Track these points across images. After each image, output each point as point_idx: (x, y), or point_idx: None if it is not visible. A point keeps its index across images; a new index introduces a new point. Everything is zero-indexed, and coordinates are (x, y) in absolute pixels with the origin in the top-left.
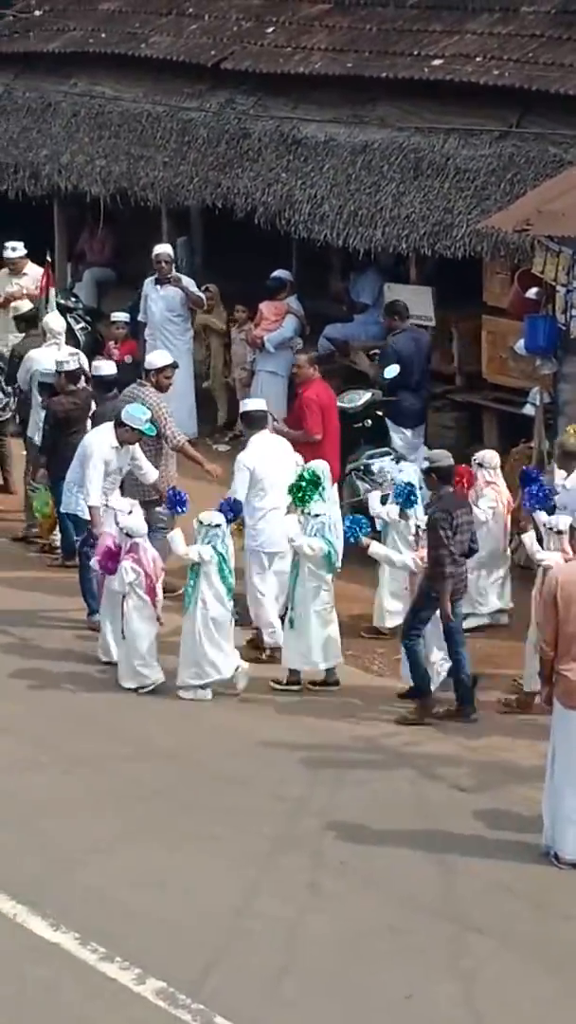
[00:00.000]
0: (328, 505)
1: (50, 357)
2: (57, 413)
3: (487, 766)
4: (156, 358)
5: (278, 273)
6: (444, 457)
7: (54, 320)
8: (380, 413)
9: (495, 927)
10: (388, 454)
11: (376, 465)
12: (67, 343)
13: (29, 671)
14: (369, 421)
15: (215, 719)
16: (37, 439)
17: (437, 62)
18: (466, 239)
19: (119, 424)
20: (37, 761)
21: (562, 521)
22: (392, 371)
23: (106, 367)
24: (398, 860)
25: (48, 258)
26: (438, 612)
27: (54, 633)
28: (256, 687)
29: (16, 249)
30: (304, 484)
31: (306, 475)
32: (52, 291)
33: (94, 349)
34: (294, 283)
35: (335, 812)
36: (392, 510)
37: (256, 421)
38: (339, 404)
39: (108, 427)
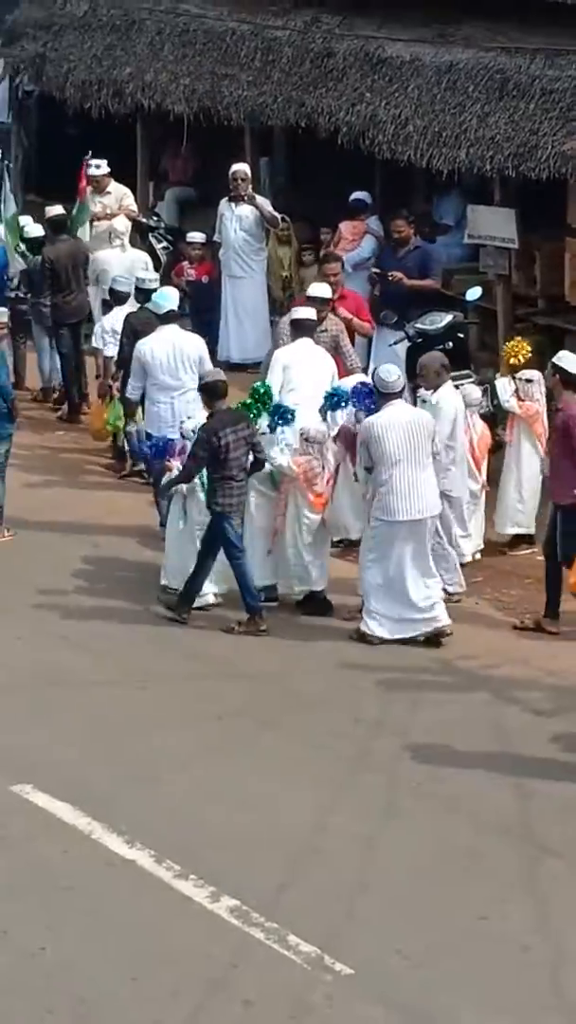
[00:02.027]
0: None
1: (115, 258)
2: (135, 325)
3: (564, 690)
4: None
5: (359, 194)
6: (214, 374)
7: (119, 222)
8: (461, 335)
9: (570, 849)
10: (469, 377)
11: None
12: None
13: (104, 588)
14: (450, 343)
15: (292, 640)
16: (105, 348)
17: None
18: (551, 161)
19: None
20: (114, 678)
21: None
22: (475, 293)
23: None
24: (474, 782)
25: (86, 159)
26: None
27: (128, 544)
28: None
29: (100, 167)
30: (258, 401)
31: (260, 391)
32: (88, 193)
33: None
34: (375, 204)
35: (411, 734)
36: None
37: (305, 329)
38: (420, 326)
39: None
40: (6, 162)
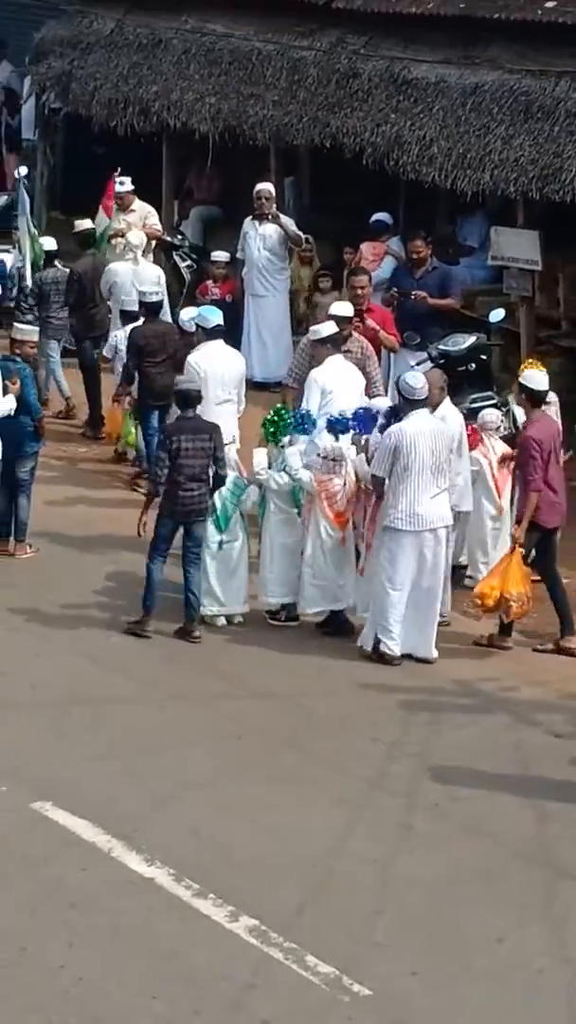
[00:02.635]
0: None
1: (127, 271)
2: (137, 341)
3: None
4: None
5: (380, 216)
6: (188, 382)
7: (134, 235)
8: (484, 357)
9: None
10: (492, 399)
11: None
12: (173, 281)
13: (126, 605)
14: (473, 365)
15: (313, 658)
16: (116, 360)
17: (550, 4)
18: (575, 183)
19: None
20: (134, 696)
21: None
22: (498, 315)
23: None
24: (493, 804)
25: (114, 176)
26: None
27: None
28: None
29: (124, 184)
30: (279, 421)
31: (283, 413)
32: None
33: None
34: (396, 225)
35: (430, 755)
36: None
37: (335, 343)
38: (443, 347)
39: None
40: (25, 178)
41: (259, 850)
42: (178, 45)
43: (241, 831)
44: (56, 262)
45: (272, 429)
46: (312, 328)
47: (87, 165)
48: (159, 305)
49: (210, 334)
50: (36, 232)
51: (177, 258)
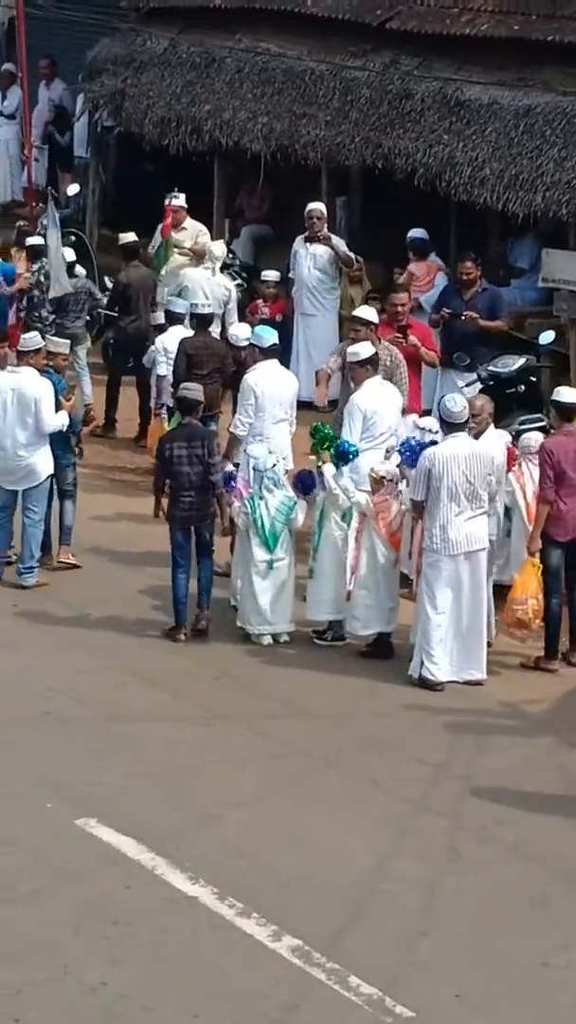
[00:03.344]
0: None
1: (202, 277)
2: (187, 350)
3: None
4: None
5: (417, 233)
6: (191, 390)
7: (217, 247)
8: (534, 379)
9: None
10: (541, 420)
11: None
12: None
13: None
14: (522, 387)
15: (358, 678)
16: (158, 368)
17: None
18: None
19: None
20: (179, 714)
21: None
22: (548, 336)
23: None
24: (538, 826)
25: (170, 197)
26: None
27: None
28: (401, 649)
29: (177, 197)
30: (328, 436)
31: (322, 431)
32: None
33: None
34: (434, 243)
35: (476, 777)
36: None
37: (373, 364)
38: (492, 368)
39: None
40: (77, 195)
41: (303, 870)
42: (231, 64)
43: (285, 851)
44: (75, 271)
45: (324, 443)
46: (350, 350)
47: (138, 183)
48: (210, 318)
49: (266, 353)
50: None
51: (227, 277)
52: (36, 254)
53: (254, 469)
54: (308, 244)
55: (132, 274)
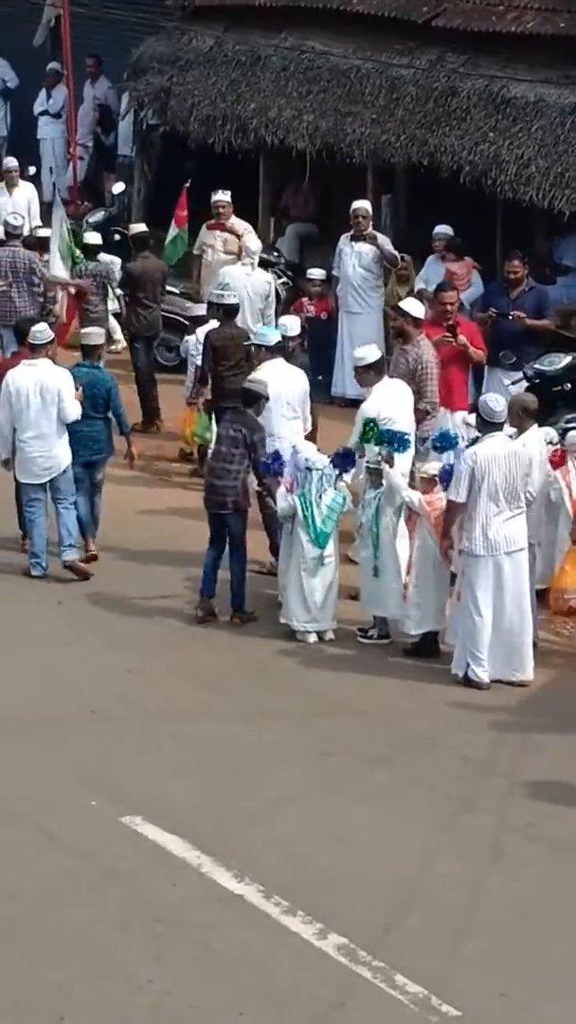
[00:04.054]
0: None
1: (241, 274)
2: (213, 342)
3: None
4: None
5: (446, 229)
6: (257, 383)
7: (253, 241)
8: None
9: None
10: None
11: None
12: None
13: (214, 620)
14: (568, 385)
15: (403, 677)
16: (196, 358)
17: None
18: None
19: None
20: (224, 712)
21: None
22: None
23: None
24: None
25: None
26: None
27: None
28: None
29: (225, 194)
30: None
31: (373, 423)
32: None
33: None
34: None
35: (521, 775)
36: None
37: (377, 369)
38: (538, 367)
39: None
40: (122, 194)
41: (348, 868)
42: (277, 62)
43: (330, 848)
44: (100, 256)
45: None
46: (356, 354)
47: (183, 182)
48: (235, 308)
49: (272, 352)
50: (68, 235)
51: (272, 275)
52: (43, 246)
53: (307, 467)
54: (353, 242)
55: (141, 264)
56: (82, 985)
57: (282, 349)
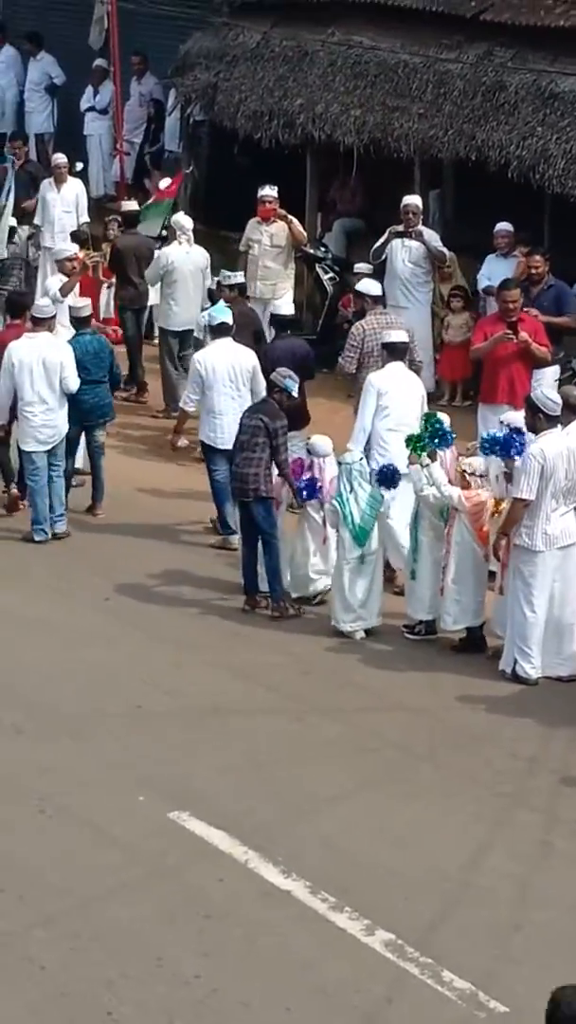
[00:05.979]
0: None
1: (181, 252)
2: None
3: None
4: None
5: (507, 226)
6: (283, 375)
7: (184, 218)
8: None
9: None
10: None
11: None
12: (316, 293)
13: (261, 615)
14: None
15: (450, 672)
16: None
17: None
18: None
19: None
20: (271, 707)
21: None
22: None
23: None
24: None
25: (187, 169)
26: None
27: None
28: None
29: (273, 189)
30: (426, 434)
31: (432, 424)
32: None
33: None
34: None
35: (571, 771)
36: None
37: (397, 352)
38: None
39: None
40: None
41: (395, 864)
42: (324, 58)
43: (378, 844)
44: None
45: (419, 443)
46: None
47: (230, 177)
48: (244, 286)
49: (215, 332)
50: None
51: (320, 271)
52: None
53: (339, 463)
54: (402, 238)
55: (124, 240)
56: (129, 980)
57: (229, 329)
